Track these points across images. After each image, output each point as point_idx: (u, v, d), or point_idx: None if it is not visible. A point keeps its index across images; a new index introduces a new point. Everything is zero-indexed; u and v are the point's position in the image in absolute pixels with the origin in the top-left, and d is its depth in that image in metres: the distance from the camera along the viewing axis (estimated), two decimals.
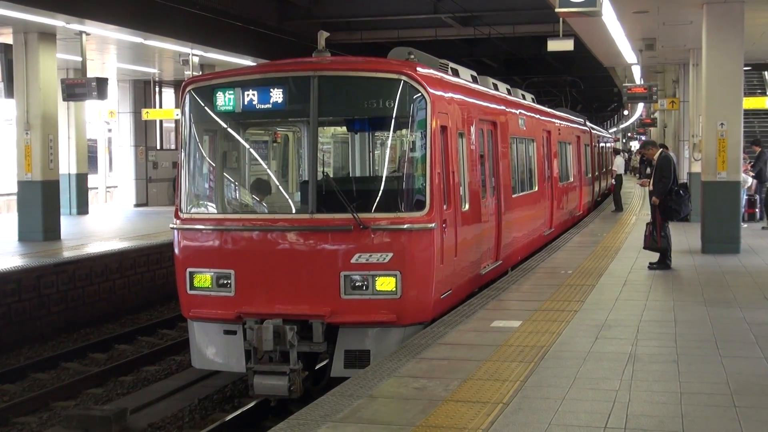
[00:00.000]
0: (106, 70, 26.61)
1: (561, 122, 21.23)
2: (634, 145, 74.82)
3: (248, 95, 9.59)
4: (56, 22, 17.82)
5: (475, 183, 11.31)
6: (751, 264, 14.14)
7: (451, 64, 12.31)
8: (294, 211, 9.92)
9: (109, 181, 33.16)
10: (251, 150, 10.77)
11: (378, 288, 9.00)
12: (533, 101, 18.87)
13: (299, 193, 10.40)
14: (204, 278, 9.49)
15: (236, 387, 11.43)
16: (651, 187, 13.77)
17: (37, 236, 18.72)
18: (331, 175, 10.57)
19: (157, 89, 31.37)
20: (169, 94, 32.72)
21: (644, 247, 13.65)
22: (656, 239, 13.25)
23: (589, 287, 11.62)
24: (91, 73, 20.37)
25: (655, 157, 13.46)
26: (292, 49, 22.14)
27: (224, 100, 9.68)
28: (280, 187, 10.78)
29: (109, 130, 32.53)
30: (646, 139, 30.19)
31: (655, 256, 13.55)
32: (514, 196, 13.99)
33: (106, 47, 22.42)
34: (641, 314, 9.89)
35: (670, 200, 13.13)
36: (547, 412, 6.25)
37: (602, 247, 16.31)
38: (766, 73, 32.88)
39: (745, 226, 18.70)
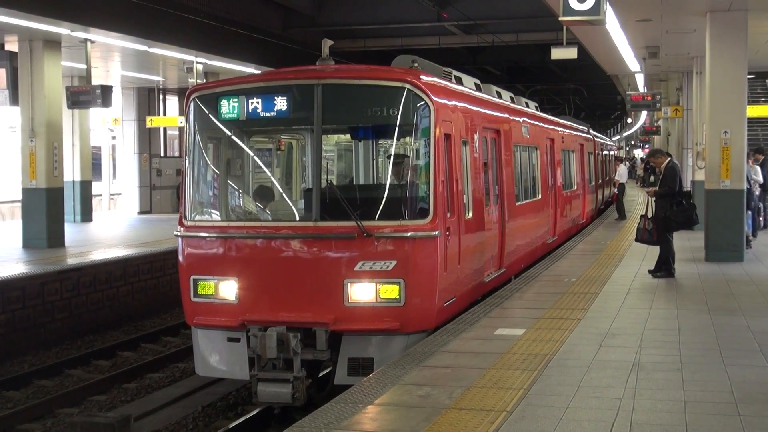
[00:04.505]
0: (110, 77, 26.70)
1: (564, 130, 21.22)
2: (638, 153, 74.75)
3: (252, 103, 9.61)
4: (61, 30, 17.88)
5: (479, 191, 11.31)
6: (755, 272, 14.12)
7: (455, 72, 12.31)
8: (298, 218, 9.94)
9: (113, 189, 33.21)
10: (255, 158, 10.79)
11: (381, 296, 9.01)
12: (537, 109, 18.87)
13: (303, 200, 10.41)
14: (208, 285, 9.50)
15: (240, 394, 11.43)
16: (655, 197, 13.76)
17: (41, 243, 18.76)
18: (335, 183, 10.57)
19: (161, 97, 31.45)
20: (173, 101, 32.78)
21: (636, 240, 13.69)
22: (651, 233, 13.26)
23: (592, 295, 11.61)
24: (95, 81, 20.43)
25: (662, 166, 13.46)
26: (295, 57, 22.20)
27: (228, 107, 9.69)
28: (284, 195, 10.79)
29: (113, 138, 32.61)
30: (654, 148, 30.13)
31: (654, 260, 13.57)
32: (517, 204, 13.98)
33: (110, 55, 22.49)
34: (645, 322, 9.88)
35: (671, 212, 13.11)
36: (550, 420, 6.24)
37: (606, 255, 16.30)
38: None
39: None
